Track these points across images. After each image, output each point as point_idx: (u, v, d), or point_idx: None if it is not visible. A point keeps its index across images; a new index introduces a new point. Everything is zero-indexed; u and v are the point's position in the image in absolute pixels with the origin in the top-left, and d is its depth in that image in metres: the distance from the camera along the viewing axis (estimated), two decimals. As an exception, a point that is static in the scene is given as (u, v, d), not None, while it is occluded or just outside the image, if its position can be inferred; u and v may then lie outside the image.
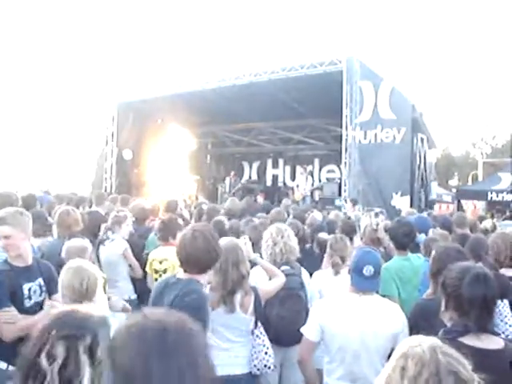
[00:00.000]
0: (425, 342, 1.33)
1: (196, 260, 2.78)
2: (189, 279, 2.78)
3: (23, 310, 2.95)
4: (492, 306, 2.10)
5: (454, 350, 1.33)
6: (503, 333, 3.19)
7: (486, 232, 6.64)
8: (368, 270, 2.85)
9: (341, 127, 12.75)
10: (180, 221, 5.14)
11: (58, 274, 2.95)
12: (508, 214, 15.09)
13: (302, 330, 3.01)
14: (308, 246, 5.51)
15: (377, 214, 7.10)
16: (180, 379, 0.89)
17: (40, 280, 3.11)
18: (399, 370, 1.30)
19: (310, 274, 4.22)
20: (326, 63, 12.53)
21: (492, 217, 12.86)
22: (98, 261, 4.97)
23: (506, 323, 3.43)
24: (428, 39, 74.70)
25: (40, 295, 3.08)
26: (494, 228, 6.89)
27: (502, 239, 4.17)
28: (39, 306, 3.01)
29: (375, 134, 12.18)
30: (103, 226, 5.89)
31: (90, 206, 7.26)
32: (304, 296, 3.84)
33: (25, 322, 2.88)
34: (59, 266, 3.10)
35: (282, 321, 3.55)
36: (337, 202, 12.93)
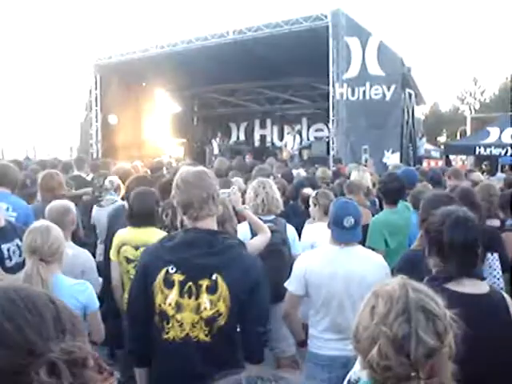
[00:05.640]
0: (395, 281, 1.31)
1: None
2: None
3: (5, 271, 2.91)
4: (474, 249, 2.02)
5: (425, 286, 1.31)
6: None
7: (474, 185, 6.63)
8: (348, 221, 2.81)
9: (328, 85, 12.56)
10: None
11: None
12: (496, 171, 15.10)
13: (286, 284, 2.99)
14: (292, 202, 5.47)
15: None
16: None
17: (17, 241, 3.04)
18: (369, 309, 1.28)
19: (297, 230, 4.18)
20: (311, 19, 12.24)
21: (482, 173, 12.88)
22: (84, 225, 4.87)
23: (495, 276, 3.42)
24: (416, -7, 73.20)
25: (20, 256, 3.02)
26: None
27: (483, 190, 4.17)
28: (21, 267, 2.96)
29: (364, 91, 12.02)
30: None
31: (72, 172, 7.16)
32: (287, 252, 3.79)
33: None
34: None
35: None
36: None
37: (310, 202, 4.33)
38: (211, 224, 2.25)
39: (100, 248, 4.83)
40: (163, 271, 2.16)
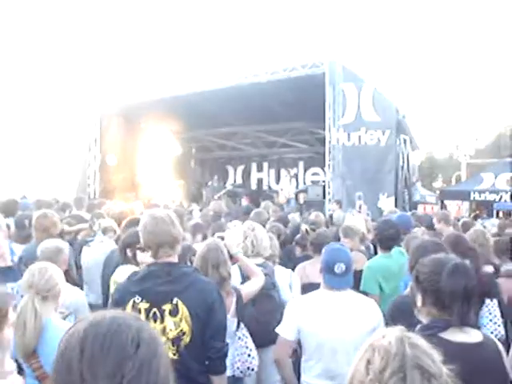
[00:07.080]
0: (392, 333, 1.27)
1: None
2: None
3: None
4: (473, 297, 2.00)
5: (423, 340, 1.27)
6: (492, 333, 3.16)
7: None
8: (339, 268, 2.82)
9: (324, 130, 12.76)
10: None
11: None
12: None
13: (278, 329, 2.96)
14: (289, 246, 5.48)
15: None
16: None
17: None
18: (365, 363, 1.24)
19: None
20: (308, 66, 12.54)
21: (475, 218, 12.88)
22: (77, 265, 4.87)
23: (495, 323, 3.40)
24: (410, 41, 75.65)
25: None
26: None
27: (473, 237, 4.19)
28: None
29: (359, 137, 12.19)
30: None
31: (70, 211, 7.17)
32: (277, 296, 3.76)
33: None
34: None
35: (255, 321, 3.45)
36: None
37: None
38: (169, 259, 2.56)
39: (85, 289, 4.81)
40: (130, 302, 2.47)
